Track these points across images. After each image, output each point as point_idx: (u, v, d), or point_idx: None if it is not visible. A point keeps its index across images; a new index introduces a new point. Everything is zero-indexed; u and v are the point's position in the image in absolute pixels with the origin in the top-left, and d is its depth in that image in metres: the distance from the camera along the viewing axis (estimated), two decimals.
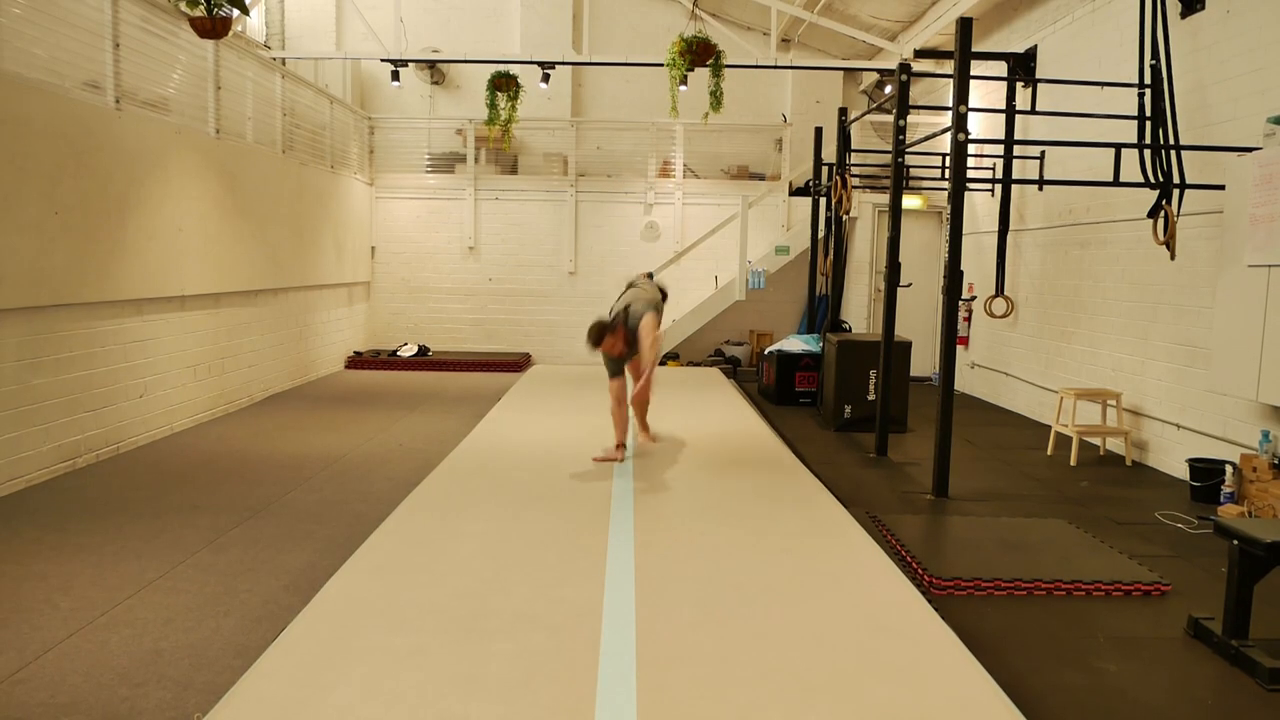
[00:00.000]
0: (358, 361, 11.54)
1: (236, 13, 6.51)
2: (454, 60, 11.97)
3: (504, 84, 10.34)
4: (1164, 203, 6.03)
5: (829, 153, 10.46)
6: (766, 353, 9.77)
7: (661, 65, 9.07)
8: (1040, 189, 8.37)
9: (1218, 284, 5.62)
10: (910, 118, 7.30)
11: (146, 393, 6.75)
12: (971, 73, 5.60)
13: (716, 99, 9.13)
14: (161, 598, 3.78)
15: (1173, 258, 6.15)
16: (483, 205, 12.40)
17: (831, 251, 11.39)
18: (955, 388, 7.20)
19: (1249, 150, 5.45)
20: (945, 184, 8.10)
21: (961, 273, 5.60)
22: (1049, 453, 7.01)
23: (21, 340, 5.43)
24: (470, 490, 5.01)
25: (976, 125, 9.77)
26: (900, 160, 6.63)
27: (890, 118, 7.86)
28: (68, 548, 4.37)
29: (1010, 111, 8.24)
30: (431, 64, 12.44)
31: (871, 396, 7.77)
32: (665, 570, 3.73)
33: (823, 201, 10.85)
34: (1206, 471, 5.70)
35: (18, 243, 5.32)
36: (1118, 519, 5.26)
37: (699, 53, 8.80)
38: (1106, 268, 7.42)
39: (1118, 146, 6.23)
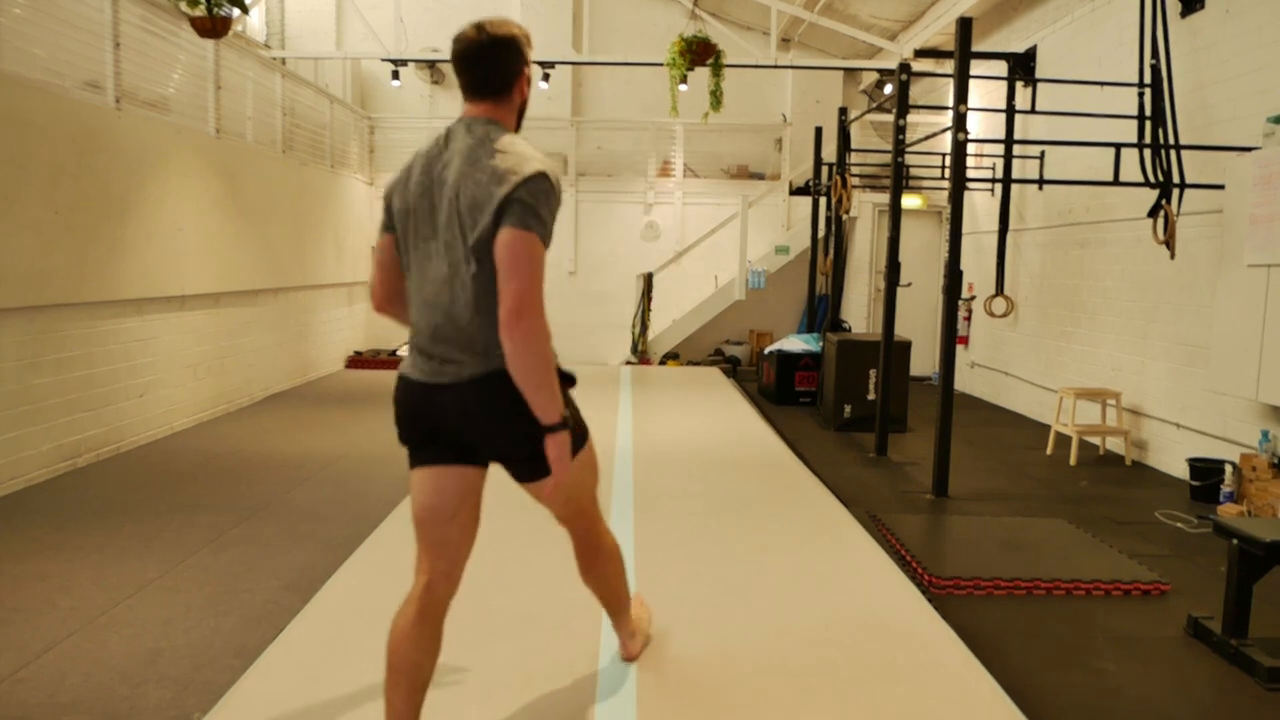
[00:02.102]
0: (358, 361, 11.54)
1: (236, 12, 6.52)
2: None
3: None
4: (1164, 202, 6.03)
5: (829, 152, 10.46)
6: (766, 352, 9.77)
7: (661, 65, 9.07)
8: (1040, 189, 8.37)
9: (1217, 284, 5.62)
10: (910, 117, 7.31)
11: (146, 392, 6.75)
12: (971, 72, 5.61)
13: (716, 99, 9.13)
14: (161, 598, 3.78)
15: (1172, 257, 6.16)
16: None
17: (831, 251, 11.39)
18: (955, 387, 7.20)
19: (1249, 150, 5.45)
20: (945, 184, 8.10)
21: (961, 272, 5.60)
22: (1049, 452, 7.01)
23: (21, 340, 5.43)
24: None
25: (976, 125, 9.77)
26: (900, 160, 6.63)
27: (890, 117, 7.86)
28: (68, 548, 4.37)
29: (1010, 111, 8.23)
30: (431, 64, 12.43)
31: (871, 396, 7.77)
32: (665, 570, 3.74)
33: (823, 201, 10.85)
34: (1206, 471, 5.70)
35: (18, 243, 5.32)
36: (1117, 518, 5.26)
37: (699, 52, 8.80)
38: (1106, 267, 7.42)
39: (1118, 146, 6.23)
